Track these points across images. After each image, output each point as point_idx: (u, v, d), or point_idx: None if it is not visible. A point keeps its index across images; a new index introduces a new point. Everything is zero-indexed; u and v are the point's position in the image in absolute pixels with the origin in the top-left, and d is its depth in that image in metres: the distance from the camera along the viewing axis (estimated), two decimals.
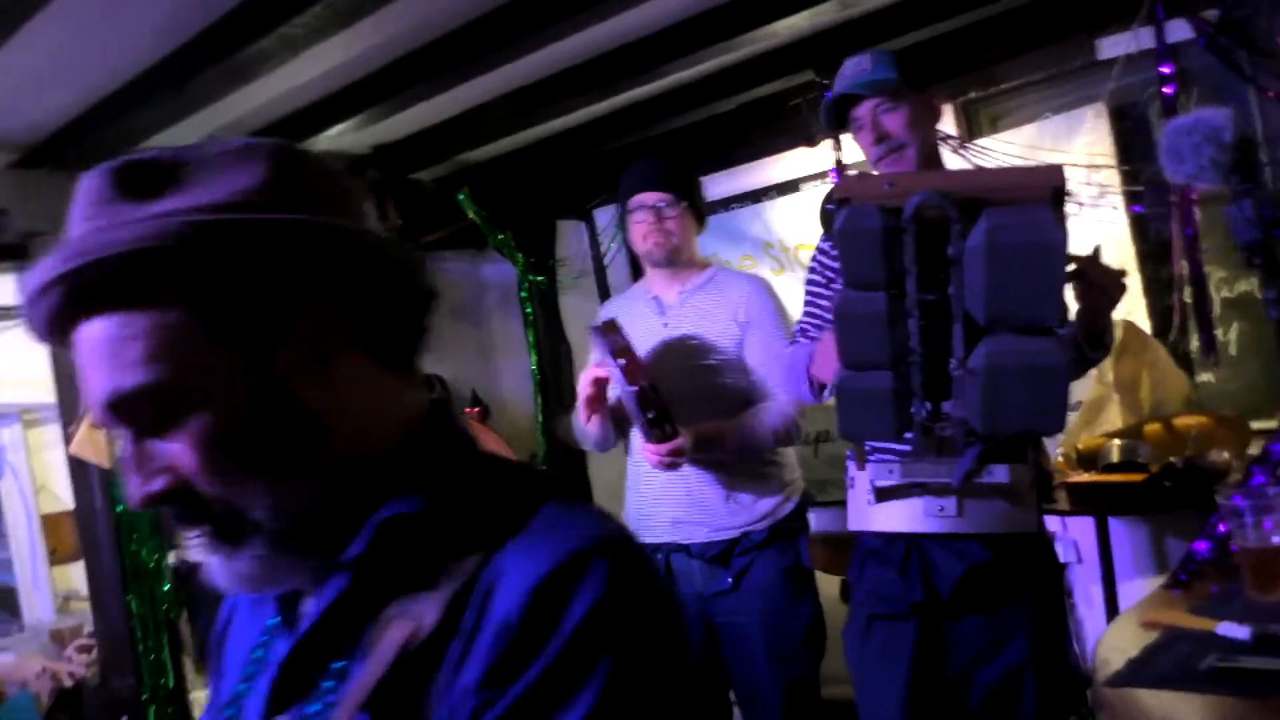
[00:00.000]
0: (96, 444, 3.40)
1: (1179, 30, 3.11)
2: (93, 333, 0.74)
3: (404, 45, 3.09)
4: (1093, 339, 2.01)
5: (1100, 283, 1.90)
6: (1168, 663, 1.47)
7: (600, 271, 5.12)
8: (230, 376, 0.75)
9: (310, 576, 0.82)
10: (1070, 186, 1.67)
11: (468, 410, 4.73)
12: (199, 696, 3.69)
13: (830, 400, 2.45)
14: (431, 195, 4.70)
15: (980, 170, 1.87)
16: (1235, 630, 1.46)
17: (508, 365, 5.28)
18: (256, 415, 0.75)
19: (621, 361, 2.52)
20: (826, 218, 1.79)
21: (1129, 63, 3.20)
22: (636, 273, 4.93)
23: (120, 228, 0.72)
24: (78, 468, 3.53)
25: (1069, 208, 1.72)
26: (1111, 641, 1.61)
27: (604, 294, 5.08)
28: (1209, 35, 3.02)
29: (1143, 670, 1.46)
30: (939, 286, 1.74)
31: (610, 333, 2.59)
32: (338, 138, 3.64)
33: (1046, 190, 1.59)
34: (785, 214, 4.50)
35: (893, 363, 1.84)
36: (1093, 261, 1.88)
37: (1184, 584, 1.75)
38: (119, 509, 3.43)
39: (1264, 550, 1.51)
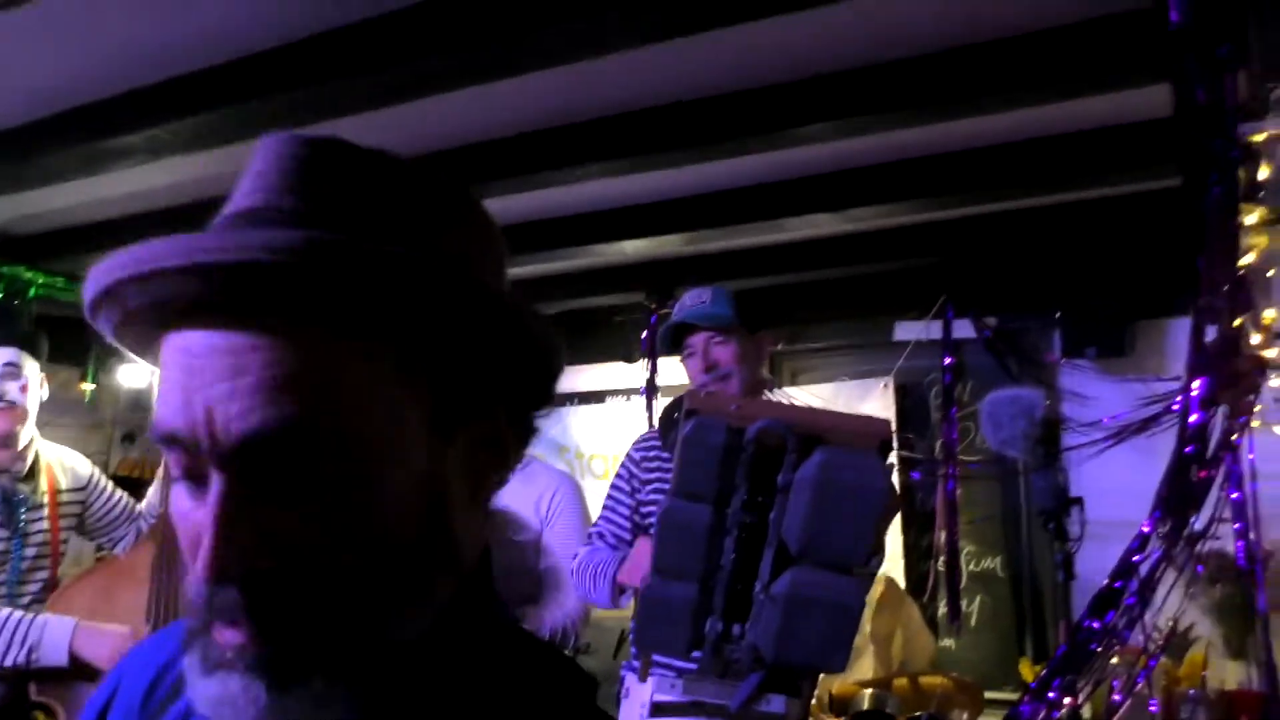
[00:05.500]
0: None
1: (963, 329, 3.56)
2: (279, 343, 0.54)
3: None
4: None
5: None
6: None
7: None
8: (416, 454, 0.58)
9: None
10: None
11: None
12: None
13: (605, 610, 2.48)
14: None
15: (819, 410, 2.03)
16: None
17: None
18: (417, 508, 0.58)
19: None
20: (669, 424, 1.87)
21: (918, 348, 3.60)
22: None
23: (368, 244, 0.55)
24: None
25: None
26: None
27: None
28: (986, 339, 3.46)
29: None
30: (761, 510, 1.83)
31: None
32: None
33: (876, 439, 1.74)
34: (585, 422, 4.62)
35: (701, 577, 1.89)
36: None
37: None
38: None
39: None
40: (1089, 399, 3.31)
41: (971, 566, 3.63)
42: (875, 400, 3.80)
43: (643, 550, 2.14)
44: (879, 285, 3.77)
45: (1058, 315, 3.46)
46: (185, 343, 0.56)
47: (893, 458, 1.80)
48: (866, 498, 1.71)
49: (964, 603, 3.59)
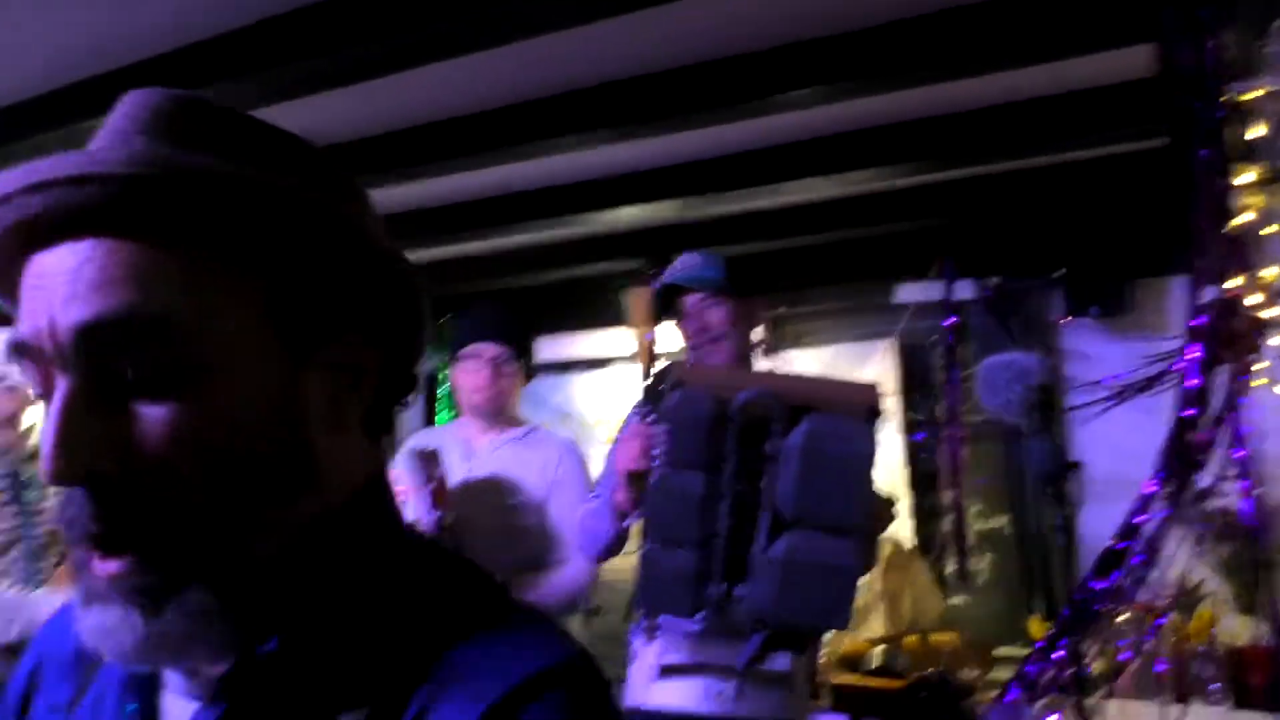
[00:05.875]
0: None
1: (965, 289, 3.55)
2: (120, 248, 0.57)
3: None
4: None
5: (874, 512, 2.06)
6: None
7: None
8: (263, 364, 0.60)
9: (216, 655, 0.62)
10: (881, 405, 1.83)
11: None
12: None
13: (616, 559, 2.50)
14: None
15: (805, 377, 2.03)
16: None
17: None
18: (265, 421, 0.60)
19: (432, 485, 2.54)
20: (656, 395, 1.87)
21: (920, 309, 3.59)
22: (429, 419, 4.87)
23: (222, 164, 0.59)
24: None
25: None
26: None
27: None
28: (989, 300, 3.45)
29: None
30: (753, 478, 1.84)
31: (430, 462, 2.59)
32: None
33: (863, 406, 1.75)
34: (589, 388, 4.63)
35: (699, 543, 1.91)
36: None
37: None
38: None
39: None
40: (1093, 358, 3.30)
41: (978, 525, 3.65)
42: (877, 362, 3.80)
43: (625, 439, 2.12)
44: (879, 248, 3.76)
45: (1060, 275, 3.44)
46: (36, 265, 0.59)
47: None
48: (855, 462, 1.73)
49: (971, 561, 3.61)
